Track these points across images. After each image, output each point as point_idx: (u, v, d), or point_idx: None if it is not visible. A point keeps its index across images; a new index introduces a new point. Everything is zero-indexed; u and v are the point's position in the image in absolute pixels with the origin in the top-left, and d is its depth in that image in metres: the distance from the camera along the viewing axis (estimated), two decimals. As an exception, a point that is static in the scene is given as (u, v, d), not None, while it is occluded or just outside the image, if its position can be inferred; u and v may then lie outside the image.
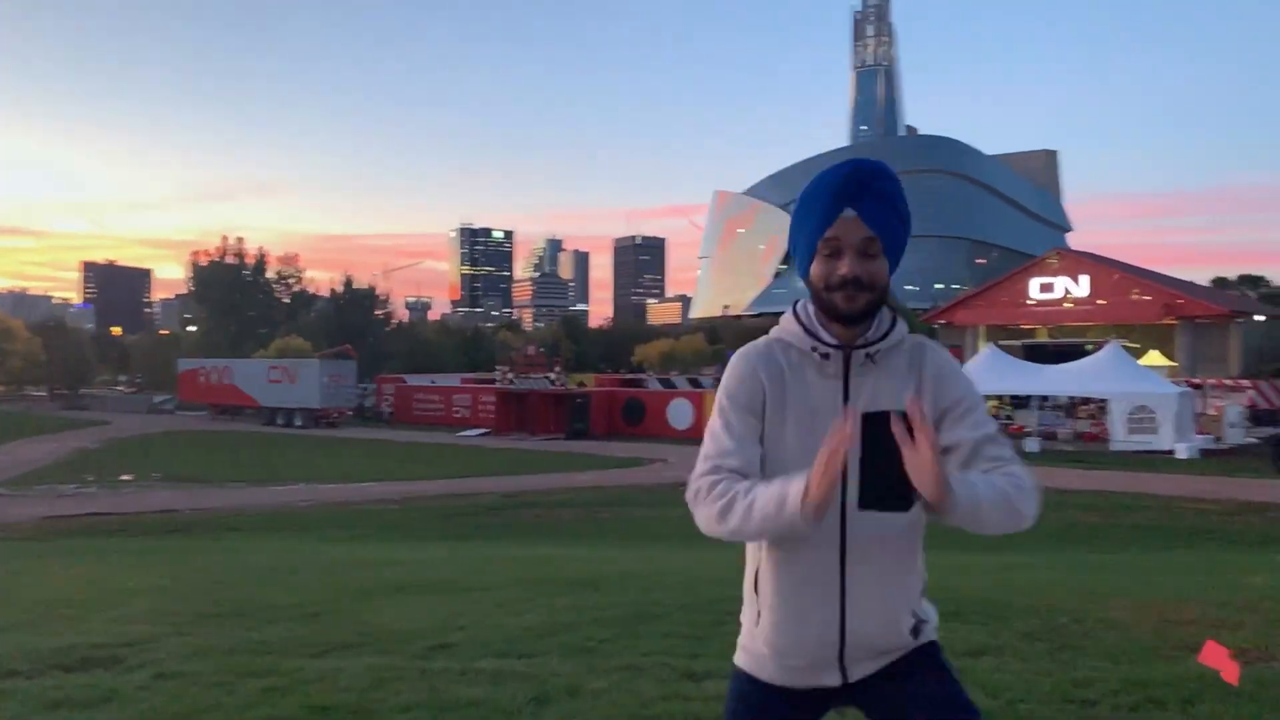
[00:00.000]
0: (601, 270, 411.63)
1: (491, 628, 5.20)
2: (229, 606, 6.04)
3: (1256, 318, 60.66)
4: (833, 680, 1.73)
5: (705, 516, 1.67)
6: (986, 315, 62.08)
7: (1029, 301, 60.47)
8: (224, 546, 12.70)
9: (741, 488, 1.63)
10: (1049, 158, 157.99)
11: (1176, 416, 34.83)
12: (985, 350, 40.99)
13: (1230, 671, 3.78)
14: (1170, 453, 33.47)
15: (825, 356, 1.70)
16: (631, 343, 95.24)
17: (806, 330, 1.72)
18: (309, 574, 8.35)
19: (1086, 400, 41.56)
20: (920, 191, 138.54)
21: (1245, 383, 48.04)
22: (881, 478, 1.56)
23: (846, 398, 1.69)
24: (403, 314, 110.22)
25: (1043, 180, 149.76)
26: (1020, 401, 45.13)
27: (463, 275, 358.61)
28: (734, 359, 1.79)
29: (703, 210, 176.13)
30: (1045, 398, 41.53)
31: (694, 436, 39.83)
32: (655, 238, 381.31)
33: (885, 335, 1.72)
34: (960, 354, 54.12)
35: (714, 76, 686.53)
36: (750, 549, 1.79)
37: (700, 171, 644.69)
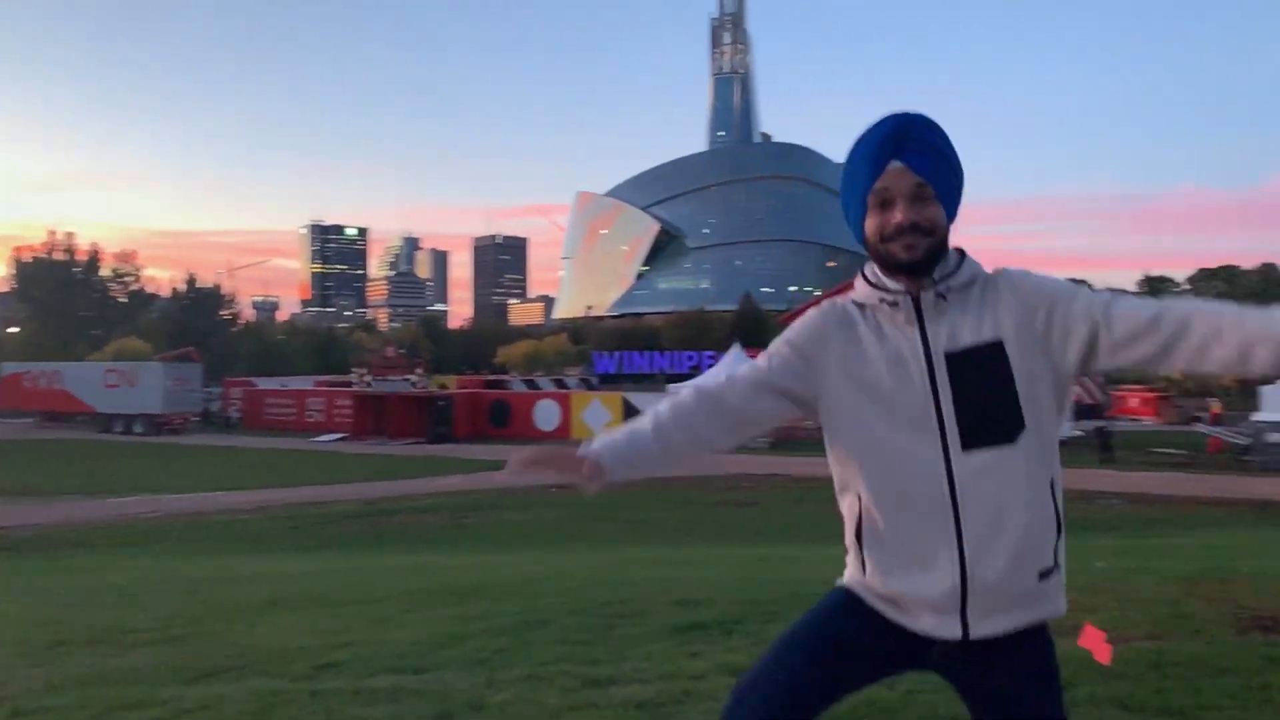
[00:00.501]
0: (461, 269, 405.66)
1: (378, 642, 5.01)
2: (83, 632, 5.59)
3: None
4: (952, 633, 1.63)
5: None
6: (839, 316, 64.54)
7: (876, 303, 63.26)
8: (64, 566, 11.80)
9: (648, 413, 1.78)
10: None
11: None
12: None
13: (1103, 653, 4.03)
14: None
15: (894, 305, 1.67)
16: (494, 344, 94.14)
17: (874, 285, 1.71)
18: (167, 592, 7.85)
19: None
20: (775, 198, 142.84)
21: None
22: (979, 413, 1.56)
23: (925, 341, 1.64)
24: (249, 314, 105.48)
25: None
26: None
27: (313, 274, 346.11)
28: (809, 311, 1.78)
29: (565, 210, 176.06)
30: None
31: (562, 437, 39.67)
32: (517, 237, 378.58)
33: (954, 273, 1.68)
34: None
35: (576, 77, 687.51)
36: (846, 500, 1.75)
37: (562, 172, 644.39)
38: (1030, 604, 1.64)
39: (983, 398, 1.57)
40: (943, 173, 1.66)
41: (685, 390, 1.76)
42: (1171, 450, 36.12)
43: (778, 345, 1.75)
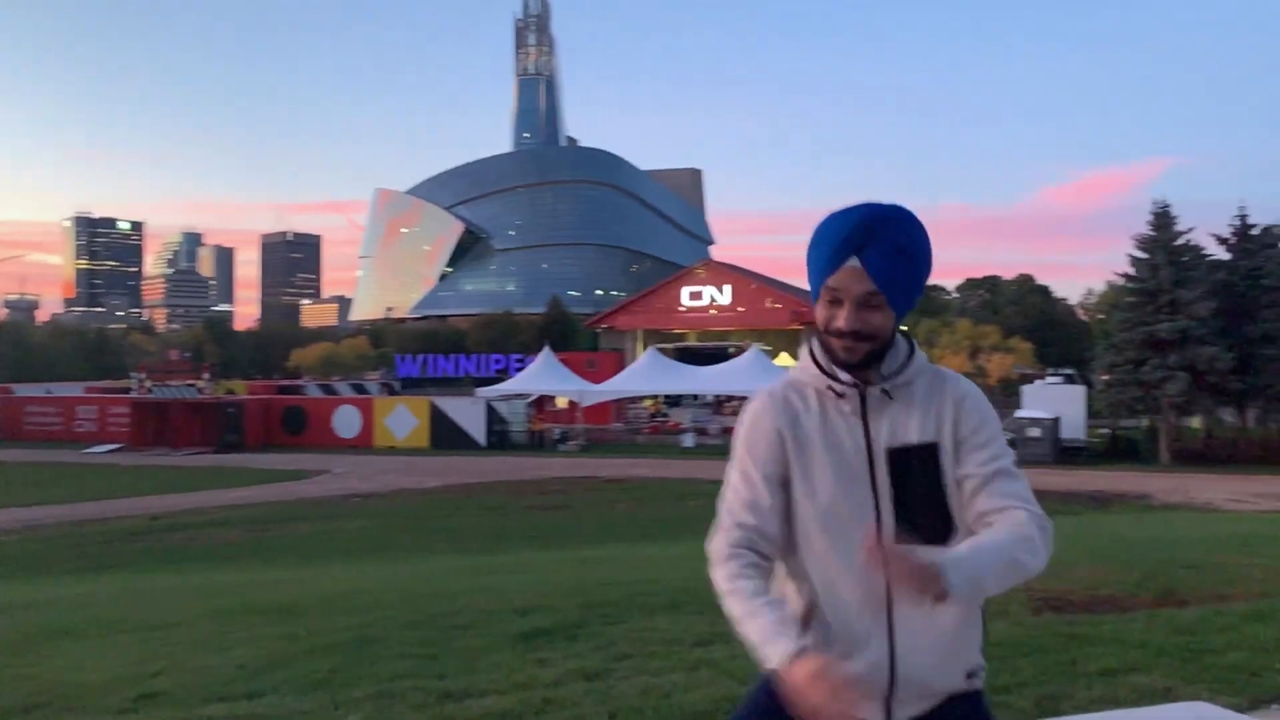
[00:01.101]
0: (248, 268, 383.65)
1: (198, 669, 4.66)
2: None
3: (866, 324, 69.60)
4: (875, 717, 1.63)
5: (715, 578, 1.68)
6: (644, 320, 65.70)
7: (680, 308, 64.84)
8: None
9: (748, 586, 1.59)
10: (694, 175, 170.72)
11: (807, 412, 39.09)
12: (646, 354, 43.41)
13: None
14: (804, 444, 37.55)
15: (840, 395, 1.66)
16: (286, 346, 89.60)
17: (823, 370, 1.68)
18: (-72, 626, 6.95)
19: (731, 398, 45.51)
20: (581, 201, 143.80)
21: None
22: (914, 512, 1.60)
23: (868, 435, 1.65)
24: (1, 314, 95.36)
25: (689, 195, 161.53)
26: (673, 400, 48.40)
27: (79, 270, 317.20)
28: (750, 408, 1.75)
29: (363, 208, 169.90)
30: (695, 396, 44.89)
31: (363, 445, 38.33)
32: (309, 234, 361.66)
33: (901, 370, 1.68)
34: (622, 357, 56.91)
35: (377, 71, 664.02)
36: (792, 582, 1.72)
37: (360, 168, 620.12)
38: (955, 691, 1.69)
39: (919, 498, 1.62)
40: (900, 275, 1.63)
41: (736, 554, 1.65)
42: (947, 446, 39.21)
43: (745, 461, 1.72)
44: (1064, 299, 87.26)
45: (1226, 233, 37.58)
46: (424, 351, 72.61)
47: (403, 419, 39.03)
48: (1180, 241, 34.97)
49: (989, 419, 1.70)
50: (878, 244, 1.61)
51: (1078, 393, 36.28)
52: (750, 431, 1.73)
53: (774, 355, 51.32)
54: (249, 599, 7.58)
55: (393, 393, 54.35)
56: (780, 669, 1.46)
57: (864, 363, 1.64)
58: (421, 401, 40.38)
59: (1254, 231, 36.86)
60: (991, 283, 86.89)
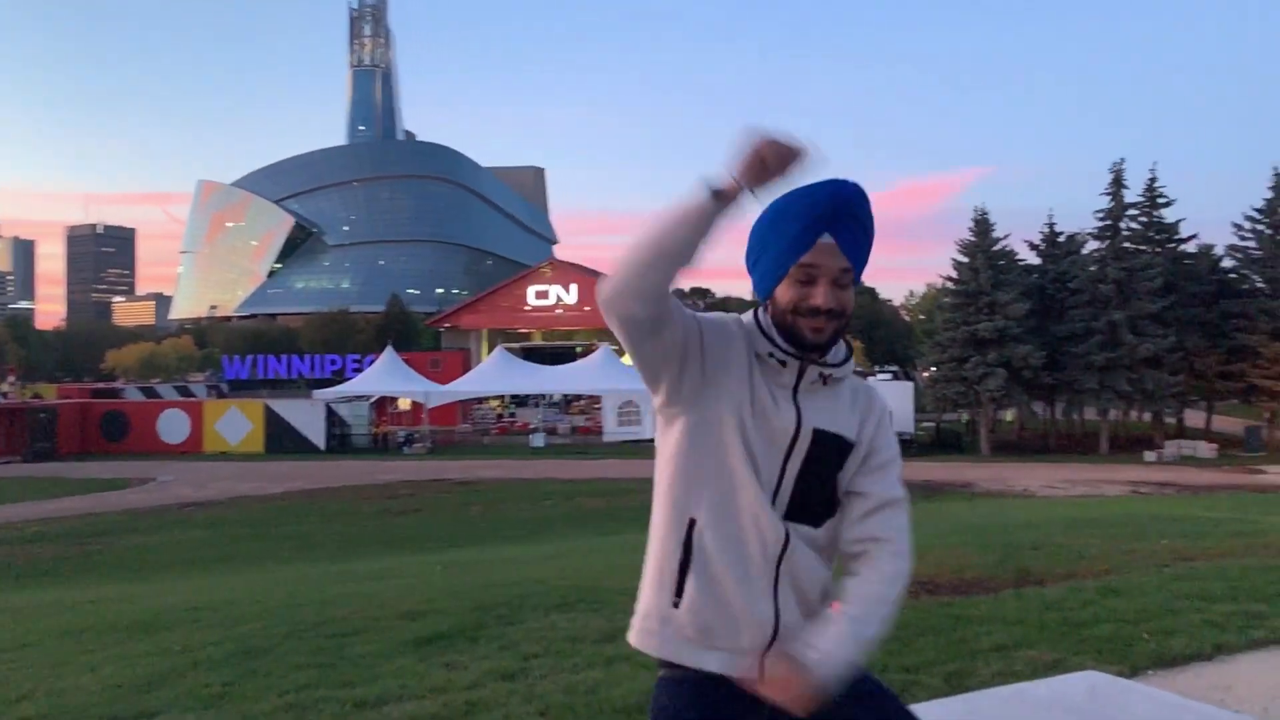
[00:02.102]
0: (52, 262, 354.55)
1: (70, 690, 4.30)
2: None
3: (707, 324, 71.42)
4: (750, 672, 1.64)
5: (617, 274, 1.56)
6: (489, 320, 64.97)
7: (526, 307, 64.47)
8: None
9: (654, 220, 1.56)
10: (537, 174, 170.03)
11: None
12: (495, 353, 42.91)
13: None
14: (652, 440, 38.05)
15: (782, 364, 1.65)
16: (98, 347, 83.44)
17: (765, 335, 1.66)
18: None
19: (579, 397, 45.65)
20: (420, 197, 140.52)
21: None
22: (813, 493, 1.65)
23: (798, 409, 1.64)
24: None
25: (532, 194, 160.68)
26: (520, 400, 48.11)
27: None
28: (725, 317, 1.71)
29: (184, 200, 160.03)
30: (542, 396, 44.79)
31: (192, 451, 36.20)
32: (123, 227, 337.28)
33: (842, 363, 1.70)
34: (467, 357, 56.06)
35: (200, 57, 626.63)
36: (669, 538, 1.66)
37: (181, 158, 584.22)
38: None
39: (820, 484, 1.65)
40: (864, 253, 1.65)
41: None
42: (787, 441, 40.73)
43: (702, 334, 1.64)
44: (889, 300, 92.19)
45: (1037, 239, 40.70)
46: (253, 352, 69.27)
47: (235, 423, 37.11)
48: (997, 247, 37.60)
49: (896, 444, 1.75)
50: (849, 220, 1.60)
51: (906, 389, 38.37)
52: (713, 318, 1.70)
53: (622, 355, 51.77)
54: (97, 617, 7.05)
55: (222, 395, 51.49)
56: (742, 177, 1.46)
57: (828, 345, 1.64)
58: (255, 404, 38.50)
59: (1061, 238, 40.08)
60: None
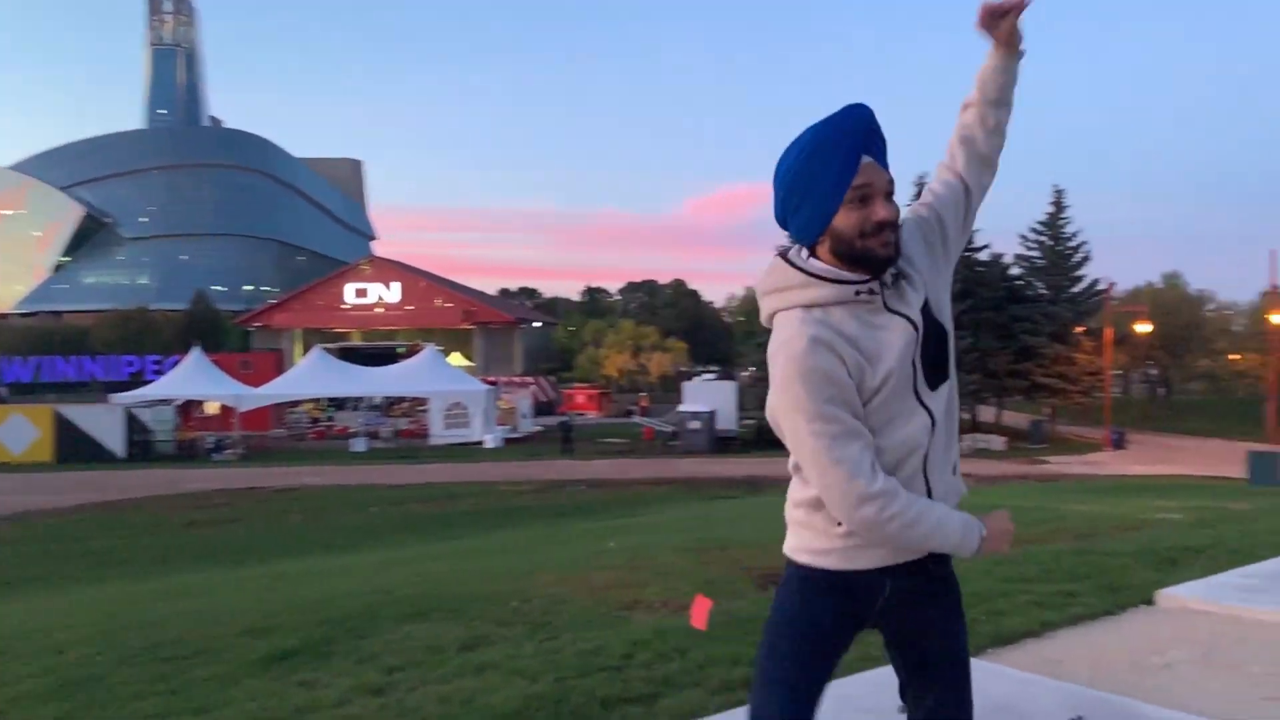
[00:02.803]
0: None
1: None
2: None
3: (535, 324, 71.19)
4: (886, 560, 1.81)
5: (882, 520, 1.69)
6: (304, 318, 62.32)
7: (344, 306, 62.27)
8: None
9: (922, 501, 1.73)
10: (355, 166, 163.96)
11: (484, 411, 39.23)
12: (312, 353, 41.15)
13: (700, 619, 4.60)
14: (480, 443, 37.62)
15: (873, 292, 1.70)
16: None
17: (835, 280, 1.70)
18: None
19: (402, 399, 44.41)
20: (227, 188, 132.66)
21: (529, 379, 56.22)
22: (934, 361, 1.78)
23: (899, 314, 1.73)
24: None
25: (349, 188, 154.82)
26: (337, 403, 46.32)
27: None
28: (797, 351, 1.67)
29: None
30: (361, 398, 43.30)
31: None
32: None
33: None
34: (281, 358, 53.48)
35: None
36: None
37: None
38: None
39: (934, 349, 1.76)
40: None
41: (894, 492, 1.72)
42: (616, 440, 41.16)
43: (824, 405, 1.68)
44: (711, 302, 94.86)
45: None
46: (37, 353, 63.60)
47: (19, 430, 33.91)
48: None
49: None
50: (877, 137, 1.69)
51: (730, 388, 39.64)
52: (808, 371, 1.66)
53: (446, 355, 50.75)
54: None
55: (2, 401, 46.92)
56: (989, 547, 1.79)
57: (897, 256, 1.71)
58: (43, 410, 35.35)
59: (870, 245, 42.36)
60: (650, 287, 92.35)
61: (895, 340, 1.70)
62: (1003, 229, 71.70)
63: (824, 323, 1.67)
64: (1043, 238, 43.33)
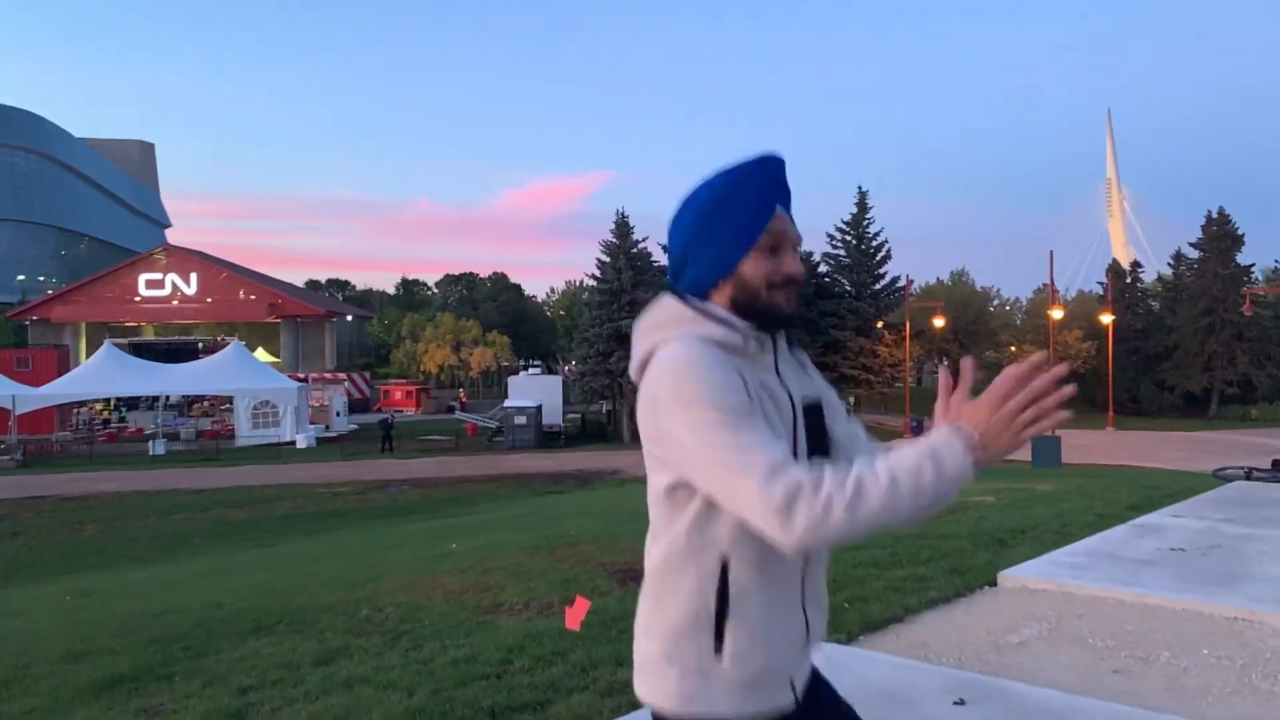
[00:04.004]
0: None
1: None
2: None
3: (347, 318, 68.53)
4: (787, 701, 1.51)
5: (822, 514, 1.30)
6: (90, 312, 57.56)
7: (136, 298, 57.96)
8: None
9: (856, 472, 1.32)
10: (145, 149, 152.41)
11: (296, 409, 37.43)
12: (102, 349, 37.91)
13: (575, 620, 4.52)
14: (292, 443, 35.85)
15: (761, 346, 1.53)
16: None
17: (726, 323, 1.52)
18: None
19: (202, 398, 41.61)
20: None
21: (341, 376, 54.05)
22: (817, 448, 1.55)
23: (785, 387, 1.53)
24: None
25: (139, 172, 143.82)
26: (130, 403, 42.83)
27: None
28: (691, 357, 1.43)
29: None
30: (158, 397, 40.29)
31: None
32: None
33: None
34: (65, 354, 49.01)
35: None
36: (700, 564, 1.47)
37: None
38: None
39: (820, 450, 1.57)
40: None
41: (816, 480, 1.32)
42: (438, 437, 40.25)
43: (730, 412, 1.39)
44: (533, 296, 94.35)
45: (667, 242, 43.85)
46: None
47: None
48: (637, 249, 39.96)
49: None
50: (787, 192, 1.59)
51: (555, 382, 39.61)
52: (711, 376, 1.42)
53: (252, 349, 48.06)
54: None
55: None
56: (972, 449, 1.34)
57: (794, 314, 1.57)
58: None
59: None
60: (470, 279, 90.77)
61: (777, 397, 1.52)
62: (810, 228, 75.28)
63: (717, 348, 1.49)
64: (848, 237, 45.71)
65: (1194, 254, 54.78)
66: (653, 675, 1.51)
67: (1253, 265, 54.44)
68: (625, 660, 4.14)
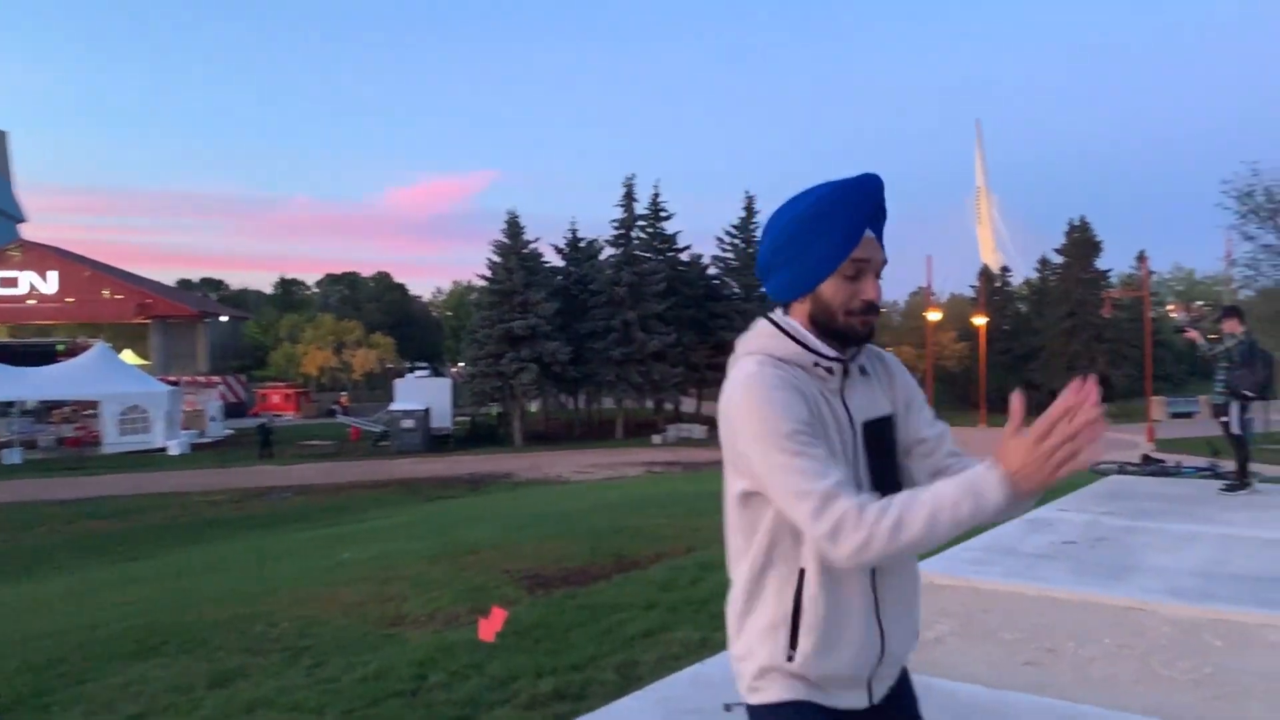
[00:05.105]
0: None
1: None
2: None
3: (221, 318, 65.73)
4: (860, 702, 1.61)
5: (865, 541, 1.42)
6: (-68, 311, 53.59)
7: (-10, 297, 54.38)
8: None
9: (898, 499, 1.43)
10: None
11: (167, 414, 35.69)
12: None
13: (489, 631, 4.38)
14: (164, 450, 34.14)
15: (830, 371, 1.59)
16: None
17: (806, 346, 1.59)
18: None
19: (63, 403, 39.21)
20: None
21: (216, 379, 51.82)
22: (881, 481, 1.59)
23: (848, 410, 1.60)
24: None
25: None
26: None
27: None
28: (754, 378, 1.53)
29: None
30: (11, 403, 37.68)
31: None
32: None
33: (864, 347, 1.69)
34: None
35: None
36: (777, 572, 1.58)
37: None
38: (906, 660, 1.74)
39: (883, 467, 1.63)
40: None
41: (862, 505, 1.45)
42: (320, 441, 38.98)
43: (792, 436, 1.49)
44: (419, 296, 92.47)
45: (562, 243, 43.73)
46: None
47: None
48: (528, 250, 39.63)
49: (917, 386, 1.78)
50: (883, 214, 1.62)
51: (444, 384, 38.88)
52: (774, 397, 1.52)
53: (118, 352, 45.56)
54: None
55: None
56: (1008, 485, 1.38)
57: (870, 339, 1.64)
58: None
59: (582, 244, 43.49)
60: (352, 279, 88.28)
61: (838, 419, 1.60)
62: (702, 231, 76.28)
63: (782, 370, 1.58)
64: (736, 240, 46.41)
65: (1058, 259, 57.73)
66: (738, 672, 1.66)
67: (1109, 270, 57.64)
68: (546, 671, 4.05)
